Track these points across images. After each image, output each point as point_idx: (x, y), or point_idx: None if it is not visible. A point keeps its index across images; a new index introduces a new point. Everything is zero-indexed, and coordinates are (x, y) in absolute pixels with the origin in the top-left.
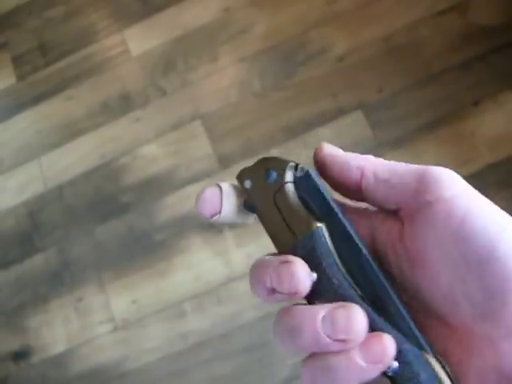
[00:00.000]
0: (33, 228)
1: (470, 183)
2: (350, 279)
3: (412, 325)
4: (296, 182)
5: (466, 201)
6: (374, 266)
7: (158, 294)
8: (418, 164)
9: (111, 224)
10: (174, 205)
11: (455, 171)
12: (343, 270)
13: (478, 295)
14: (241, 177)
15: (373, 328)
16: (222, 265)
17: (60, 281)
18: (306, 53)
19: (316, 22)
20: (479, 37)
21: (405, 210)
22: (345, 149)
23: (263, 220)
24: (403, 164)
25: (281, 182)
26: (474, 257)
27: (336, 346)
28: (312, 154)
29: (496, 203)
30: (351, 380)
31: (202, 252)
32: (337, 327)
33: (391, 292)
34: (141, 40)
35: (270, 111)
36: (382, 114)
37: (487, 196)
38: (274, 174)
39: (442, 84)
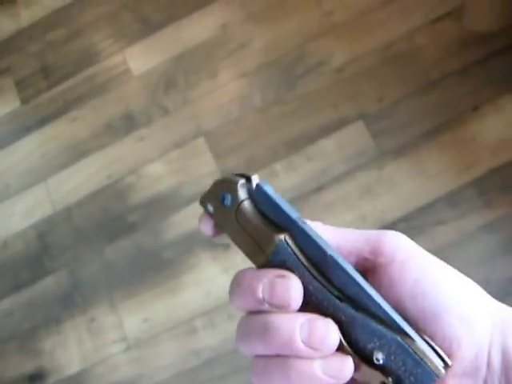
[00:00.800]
0: (42, 250)
1: (473, 188)
2: (325, 282)
3: (392, 314)
4: (251, 196)
5: (417, 263)
6: (342, 263)
7: (169, 312)
8: (421, 172)
9: (120, 244)
10: (181, 222)
11: (458, 177)
12: (316, 274)
13: (435, 341)
14: (202, 202)
15: (353, 326)
16: (231, 280)
17: (72, 302)
18: (305, 65)
19: (314, 34)
20: (476, 42)
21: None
22: (349, 159)
23: (233, 240)
24: (352, 231)
25: (236, 203)
26: (429, 312)
27: (306, 353)
28: (316, 166)
29: (499, 208)
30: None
31: (211, 268)
32: (314, 335)
33: (365, 286)
34: (141, 59)
35: (272, 125)
36: (383, 123)
37: (490, 201)
38: (228, 197)
39: (441, 90)
